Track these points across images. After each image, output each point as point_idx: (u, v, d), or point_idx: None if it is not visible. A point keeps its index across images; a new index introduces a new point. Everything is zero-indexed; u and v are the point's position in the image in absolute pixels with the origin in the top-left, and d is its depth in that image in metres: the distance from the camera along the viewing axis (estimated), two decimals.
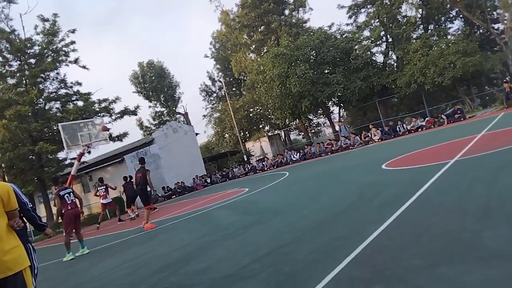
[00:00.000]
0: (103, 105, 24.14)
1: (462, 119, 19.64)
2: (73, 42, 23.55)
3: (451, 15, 31.25)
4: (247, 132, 38.88)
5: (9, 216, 2.81)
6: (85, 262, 7.92)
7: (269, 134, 36.34)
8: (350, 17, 31.63)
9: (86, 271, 6.81)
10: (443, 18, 31.43)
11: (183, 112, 47.84)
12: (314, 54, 29.12)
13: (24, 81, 22.74)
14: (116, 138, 24.35)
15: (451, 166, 6.62)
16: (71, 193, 8.68)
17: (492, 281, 2.36)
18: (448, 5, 28.90)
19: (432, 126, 20.64)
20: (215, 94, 50.23)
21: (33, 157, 22.19)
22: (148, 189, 10.51)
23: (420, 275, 2.73)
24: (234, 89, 47.75)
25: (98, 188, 16.19)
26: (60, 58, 23.52)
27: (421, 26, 30.54)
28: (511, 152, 6.43)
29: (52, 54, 23.34)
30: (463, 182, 5.23)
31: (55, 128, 22.10)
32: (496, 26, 29.94)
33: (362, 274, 3.04)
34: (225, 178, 27.98)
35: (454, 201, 4.44)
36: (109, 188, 16.15)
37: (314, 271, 3.37)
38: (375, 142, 21.57)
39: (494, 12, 30.06)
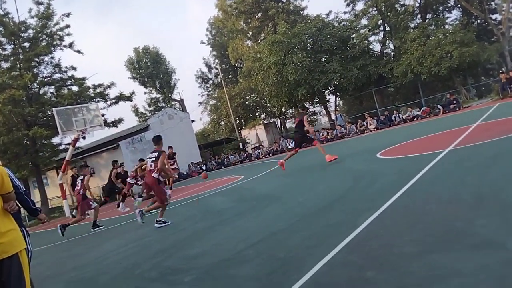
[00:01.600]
0: (98, 90, 24.00)
1: (457, 109, 19.72)
2: (67, 26, 23.25)
3: (449, 5, 31.11)
4: (243, 120, 38.82)
5: (4, 199, 2.81)
6: (80, 246, 7.96)
7: (265, 122, 36.33)
8: (348, 5, 31.41)
9: (81, 255, 6.84)
10: (441, 7, 31.29)
11: (179, 99, 47.65)
12: (311, 42, 28.98)
13: (18, 65, 22.47)
14: (111, 124, 24.26)
15: (445, 155, 6.67)
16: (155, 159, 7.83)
17: (483, 268, 2.40)
18: None
19: (428, 116, 20.71)
20: (211, 81, 49.97)
21: (28, 142, 22.08)
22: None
23: (412, 261, 2.77)
24: (230, 76, 47.49)
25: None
26: (55, 42, 23.24)
27: (419, 16, 30.42)
28: (505, 142, 6.48)
29: (47, 38, 23.05)
30: (456, 172, 5.27)
31: (49, 113, 21.98)
32: (494, 16, 29.83)
33: (355, 260, 3.08)
34: (220, 165, 28.04)
35: (448, 190, 4.48)
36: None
37: (309, 256, 3.41)
38: (371, 131, 21.64)
39: (492, 3, 29.92)
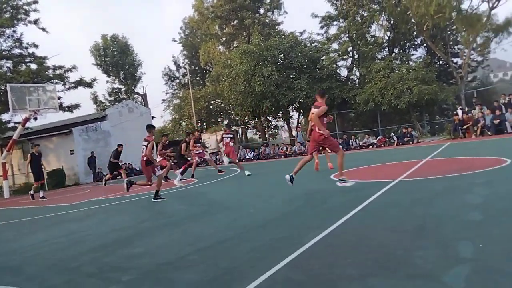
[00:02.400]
0: (58, 72, 23.02)
1: (411, 142, 20.61)
2: (35, 1, 22.23)
3: (416, 43, 32.71)
4: (204, 124, 38.53)
5: None
6: (14, 231, 7.50)
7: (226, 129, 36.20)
8: (322, 27, 32.23)
9: (13, 241, 6.45)
10: (408, 44, 32.83)
11: (142, 93, 46.60)
12: (282, 57, 29.36)
13: None
14: (66, 108, 23.29)
15: (395, 185, 6.93)
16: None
17: None
18: (415, 33, 30.21)
19: (383, 145, 21.50)
20: (177, 80, 49.32)
21: None
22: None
23: (351, 284, 2.83)
24: (198, 78, 47.14)
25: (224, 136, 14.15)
26: (19, 16, 22.15)
27: (387, 48, 31.73)
28: (450, 180, 6.82)
29: (11, 11, 21.92)
30: (403, 201, 5.48)
31: (2, 88, 20.78)
32: (455, 60, 31.73)
33: (297, 277, 3.10)
34: (176, 165, 27.55)
35: (393, 218, 4.64)
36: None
37: (251, 269, 3.40)
38: (328, 152, 22.10)
39: (456, 47, 31.83)
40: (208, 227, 5.53)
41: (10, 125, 22.28)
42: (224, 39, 37.79)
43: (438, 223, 4.20)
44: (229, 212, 6.57)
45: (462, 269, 2.85)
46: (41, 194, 14.61)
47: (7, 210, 12.66)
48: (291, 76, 28.84)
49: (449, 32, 29.68)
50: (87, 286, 3.60)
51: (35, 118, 19.95)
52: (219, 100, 38.63)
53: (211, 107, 38.94)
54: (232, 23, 36.14)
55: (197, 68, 45.99)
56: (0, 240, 6.70)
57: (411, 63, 28.45)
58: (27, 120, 18.24)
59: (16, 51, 22.90)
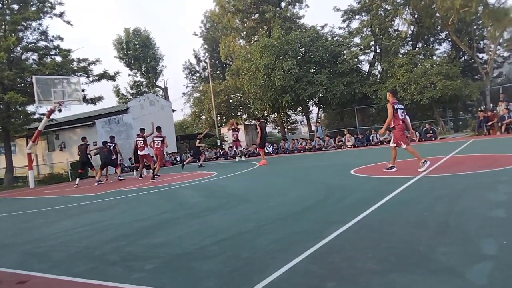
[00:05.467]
0: (82, 64, 23.44)
1: (433, 139, 20.24)
2: None
3: (440, 37, 32.03)
4: (224, 117, 38.70)
5: None
6: (40, 220, 7.74)
7: (246, 123, 36.33)
8: (344, 21, 31.85)
9: (41, 228, 6.66)
10: (432, 38, 32.17)
11: (163, 87, 47.14)
12: (303, 51, 29.21)
13: (3, 26, 21.76)
14: (90, 101, 23.74)
15: (417, 181, 6.83)
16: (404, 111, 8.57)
17: None
18: (439, 27, 29.57)
19: None
20: (198, 74, 49.68)
21: (1, 106, 21.38)
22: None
23: (372, 278, 2.82)
24: (218, 72, 47.33)
25: (137, 139, 15.67)
26: (45, 9, 22.64)
27: (410, 43, 31.15)
28: (474, 177, 6.69)
29: (37, 4, 22.43)
30: (425, 198, 5.40)
31: (28, 79, 21.34)
32: (481, 55, 30.90)
33: (317, 270, 3.11)
34: (195, 159, 27.79)
35: (415, 214, 4.59)
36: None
37: (272, 260, 3.42)
38: (348, 147, 21.94)
39: (481, 42, 30.98)
40: (228, 219, 5.58)
41: (35, 116, 22.88)
42: (244, 32, 37.76)
43: (461, 220, 4.13)
44: (249, 204, 6.61)
45: (485, 265, 2.81)
46: (77, 181, 16.04)
47: (33, 199, 13.04)
48: (312, 70, 28.66)
49: (474, 27, 28.88)
50: (111, 273, 3.69)
51: (60, 110, 20.42)
52: (238, 94, 38.72)
53: (230, 101, 39.06)
54: (253, 17, 36.07)
55: (217, 62, 46.19)
56: (28, 228, 6.92)
57: (435, 58, 27.89)
58: (52, 111, 18.68)
59: (42, 43, 23.48)
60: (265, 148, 16.65)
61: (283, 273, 3.07)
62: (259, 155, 21.75)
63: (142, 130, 15.47)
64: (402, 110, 8.52)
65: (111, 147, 16.66)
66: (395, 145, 8.60)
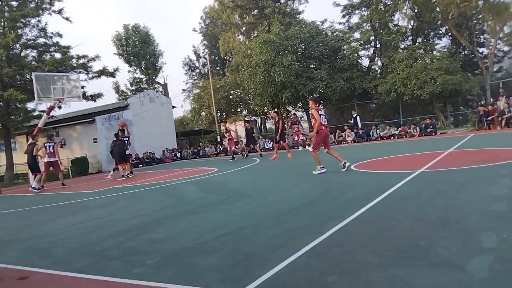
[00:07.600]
0: (81, 61, 23.43)
1: (433, 133, 20.23)
2: None
3: (440, 32, 31.96)
4: (224, 113, 38.67)
5: None
6: (42, 216, 7.76)
7: (246, 118, 36.28)
8: (343, 16, 31.83)
9: (42, 225, 6.67)
10: (432, 33, 32.10)
11: (163, 83, 47.08)
12: (303, 47, 29.14)
13: (2, 23, 21.71)
14: (89, 98, 23.71)
15: (417, 176, 6.83)
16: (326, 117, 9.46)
17: (440, 286, 2.47)
18: (439, 22, 29.50)
19: (404, 136, 21.16)
20: (197, 70, 49.61)
21: (1, 103, 21.35)
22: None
23: (373, 271, 2.83)
24: (218, 68, 47.26)
25: (46, 145, 15.11)
26: (44, 6, 22.57)
27: (410, 38, 31.11)
28: (474, 171, 6.69)
29: (36, 0, 22.35)
30: (425, 193, 5.40)
31: (28, 76, 21.28)
32: (481, 50, 30.85)
33: (318, 264, 3.12)
34: (195, 155, 27.84)
35: (415, 209, 4.59)
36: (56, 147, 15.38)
37: (272, 254, 3.43)
38: (348, 143, 21.94)
39: (481, 36, 30.93)
40: (228, 214, 5.59)
41: (35, 113, 22.85)
42: (244, 28, 37.70)
43: (461, 214, 4.13)
44: (249, 200, 6.61)
45: (486, 258, 2.82)
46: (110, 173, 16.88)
47: (34, 196, 13.07)
48: (311, 66, 28.63)
49: (475, 21, 28.84)
50: (112, 268, 3.70)
51: (60, 107, 20.37)
52: (238, 90, 38.66)
53: (230, 97, 39.00)
54: (252, 13, 35.97)
55: (216, 58, 46.10)
56: (30, 224, 6.93)
57: (435, 52, 27.85)
58: (52, 108, 18.61)
59: (41, 40, 23.38)
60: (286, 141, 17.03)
61: (283, 267, 3.08)
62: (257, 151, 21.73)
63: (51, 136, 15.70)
64: (324, 116, 9.55)
65: (126, 140, 16.63)
66: (326, 150, 9.36)
